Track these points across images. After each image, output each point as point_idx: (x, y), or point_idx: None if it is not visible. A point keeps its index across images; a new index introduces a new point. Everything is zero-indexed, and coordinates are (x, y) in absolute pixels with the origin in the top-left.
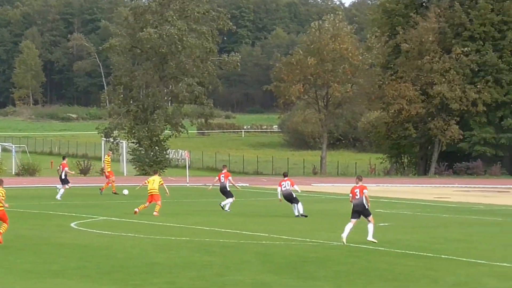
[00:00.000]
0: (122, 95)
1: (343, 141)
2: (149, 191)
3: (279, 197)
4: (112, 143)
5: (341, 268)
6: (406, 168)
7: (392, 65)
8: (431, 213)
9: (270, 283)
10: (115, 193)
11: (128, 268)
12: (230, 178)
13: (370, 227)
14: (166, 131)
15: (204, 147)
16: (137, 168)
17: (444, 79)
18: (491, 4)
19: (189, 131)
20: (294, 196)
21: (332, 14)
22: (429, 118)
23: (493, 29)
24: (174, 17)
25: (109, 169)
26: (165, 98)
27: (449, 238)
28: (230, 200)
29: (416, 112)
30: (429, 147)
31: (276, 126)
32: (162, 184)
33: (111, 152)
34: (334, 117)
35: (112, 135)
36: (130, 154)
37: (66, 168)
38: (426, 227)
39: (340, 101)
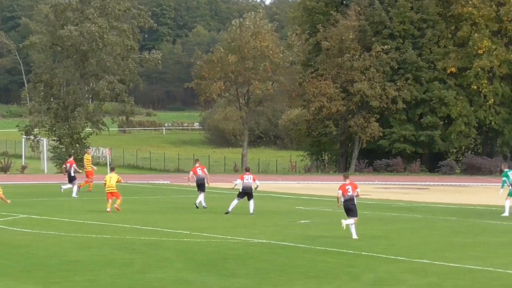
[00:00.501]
0: (42, 93)
1: (264, 139)
2: (106, 189)
3: (234, 185)
4: (33, 140)
5: (261, 265)
6: (326, 165)
7: (312, 63)
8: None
9: (191, 281)
10: (90, 192)
11: (48, 266)
12: (205, 169)
13: (353, 222)
14: (87, 129)
15: (125, 144)
16: (57, 166)
17: (364, 77)
18: (411, 2)
19: (110, 129)
20: (252, 192)
21: (252, 12)
22: (350, 116)
23: (412, 27)
24: (95, 15)
25: (89, 168)
26: (86, 95)
27: (369, 235)
28: (202, 196)
29: (337, 110)
30: (350, 144)
31: (197, 123)
32: (119, 181)
33: (90, 150)
34: (255, 115)
35: (32, 132)
36: (51, 152)
37: (74, 165)
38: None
39: (261, 99)
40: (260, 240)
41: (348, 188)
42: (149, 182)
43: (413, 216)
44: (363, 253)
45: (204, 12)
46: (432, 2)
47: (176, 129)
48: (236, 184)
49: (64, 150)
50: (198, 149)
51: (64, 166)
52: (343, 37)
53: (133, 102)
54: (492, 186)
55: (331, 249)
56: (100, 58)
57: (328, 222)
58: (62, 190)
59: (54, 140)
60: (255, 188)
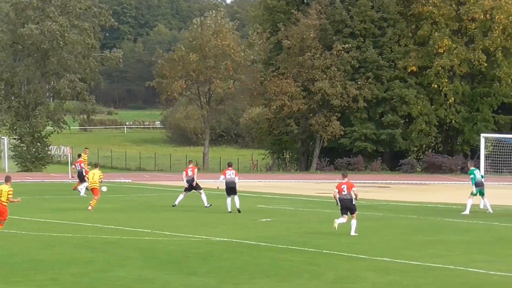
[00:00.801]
0: (3, 91)
1: (226, 137)
2: (90, 185)
3: (219, 184)
4: None
5: (223, 263)
6: (288, 164)
7: (273, 62)
8: (313, 209)
9: (153, 279)
10: (75, 190)
11: (10, 265)
12: (195, 171)
13: (354, 222)
14: (48, 128)
15: (87, 143)
16: (18, 165)
17: (325, 76)
18: (371, 1)
19: (71, 127)
20: (236, 187)
21: (214, 11)
22: (311, 114)
23: (373, 26)
24: (56, 13)
25: (85, 168)
26: (47, 94)
27: (331, 233)
28: (204, 196)
29: (298, 108)
30: (311, 143)
31: (159, 122)
32: (101, 177)
33: (87, 149)
34: (217, 113)
35: None
36: (12, 151)
37: (83, 164)
38: (308, 223)
39: (222, 97)
40: (222, 239)
41: (344, 187)
42: (110, 180)
43: (374, 214)
44: (324, 251)
45: (165, 10)
46: (392, 1)
47: (138, 127)
48: (220, 182)
49: (25, 148)
50: (159, 148)
51: (73, 166)
52: (304, 36)
53: (94, 101)
54: (452, 184)
55: (293, 247)
56: (61, 56)
57: (289, 221)
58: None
59: (15, 138)
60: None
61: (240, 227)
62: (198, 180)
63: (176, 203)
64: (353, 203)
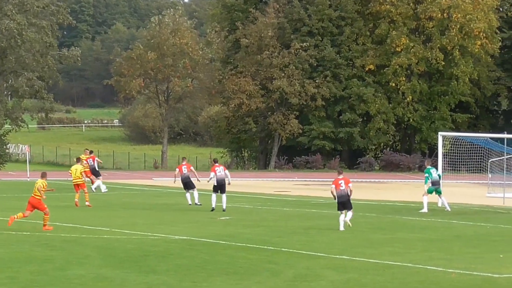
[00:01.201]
0: None
1: (184, 136)
2: (73, 181)
3: (209, 180)
4: None
5: (182, 261)
6: (246, 162)
7: (232, 60)
8: (272, 207)
9: (111, 277)
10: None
11: None
12: (192, 168)
13: (349, 214)
14: (6, 126)
15: (45, 141)
16: None
17: (283, 74)
18: (329, 0)
19: (30, 126)
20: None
21: (172, 9)
22: (269, 113)
23: (331, 24)
24: (13, 11)
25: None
26: (5, 92)
27: (289, 231)
28: (196, 194)
29: (256, 107)
30: (269, 141)
31: (117, 120)
32: (81, 172)
33: (88, 151)
34: (175, 112)
35: None
36: None
37: (97, 159)
38: (266, 221)
39: (181, 96)
40: (181, 237)
41: (341, 183)
42: (68, 179)
43: (332, 212)
44: (283, 249)
45: (123, 9)
46: (350, 0)
47: (96, 126)
48: (211, 178)
49: None
50: (117, 146)
51: (85, 162)
52: (262, 35)
53: (52, 99)
54: (410, 182)
55: (251, 245)
56: (19, 55)
57: (248, 219)
58: (94, 190)
59: None
60: (228, 184)
61: (199, 225)
62: (159, 178)
63: (190, 202)
64: (349, 199)
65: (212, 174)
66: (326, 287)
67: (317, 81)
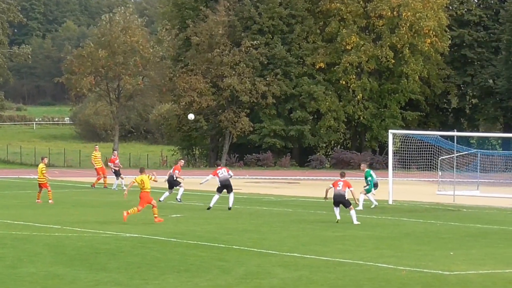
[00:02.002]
0: None
1: (135, 133)
2: (38, 180)
3: (202, 183)
4: None
5: (133, 259)
6: (197, 160)
7: (182, 58)
8: (222, 204)
9: (62, 275)
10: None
11: None
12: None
13: (352, 213)
14: None
15: None
16: None
17: (234, 72)
18: None
19: None
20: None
21: (122, 7)
22: (220, 111)
23: (281, 22)
24: None
25: (100, 165)
26: None
27: (240, 229)
28: (181, 190)
29: (207, 105)
30: (220, 139)
31: (68, 118)
32: (43, 171)
33: (97, 146)
34: (126, 110)
35: None
36: None
37: (117, 161)
38: (217, 218)
39: (132, 94)
40: (132, 235)
41: (340, 184)
42: (20, 176)
43: (284, 210)
44: (234, 246)
45: (74, 7)
46: None
47: (47, 123)
48: (205, 180)
49: None
50: (68, 144)
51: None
52: (213, 33)
53: (2, 97)
54: (361, 180)
55: (202, 243)
56: None
57: (199, 216)
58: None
59: None
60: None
61: (150, 223)
62: (110, 176)
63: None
64: (346, 198)
65: (210, 176)
66: (277, 285)
67: (267, 79)
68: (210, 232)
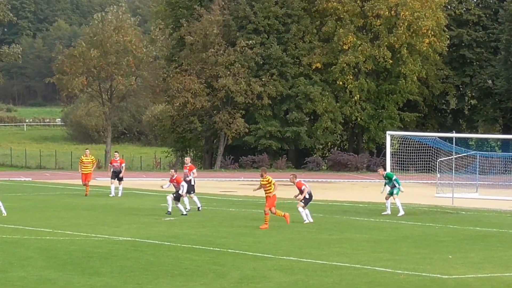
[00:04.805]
0: None
1: (128, 135)
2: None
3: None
4: None
5: (126, 263)
6: (191, 162)
7: (176, 58)
8: (217, 207)
9: (54, 279)
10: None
11: None
12: (194, 171)
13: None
14: None
15: None
16: None
17: (229, 72)
18: None
19: None
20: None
21: (115, 6)
22: (215, 111)
23: (277, 22)
24: None
25: (87, 171)
26: None
27: (235, 232)
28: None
29: (201, 105)
30: (215, 141)
31: (59, 119)
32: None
33: (88, 150)
34: (119, 110)
35: None
36: None
37: (123, 164)
38: (212, 221)
39: (124, 94)
40: (125, 238)
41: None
42: (10, 179)
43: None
44: (229, 250)
45: (65, 5)
46: None
47: (38, 125)
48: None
49: None
50: (60, 145)
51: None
52: (207, 32)
53: None
54: (358, 182)
55: (197, 246)
56: None
57: (193, 220)
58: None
59: None
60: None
61: (143, 226)
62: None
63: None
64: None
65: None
66: None
67: (263, 79)
68: (204, 236)
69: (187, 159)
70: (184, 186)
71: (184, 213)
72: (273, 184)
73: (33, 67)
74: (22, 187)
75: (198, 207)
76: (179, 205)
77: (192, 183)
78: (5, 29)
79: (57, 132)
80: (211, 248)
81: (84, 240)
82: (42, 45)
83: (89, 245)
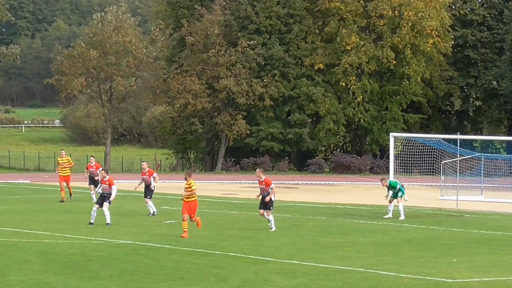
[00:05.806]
0: None
1: (128, 136)
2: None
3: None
4: None
5: (126, 266)
6: (192, 164)
7: (177, 58)
8: (218, 210)
9: (53, 283)
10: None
11: None
12: (154, 175)
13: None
14: None
15: None
16: None
17: (230, 73)
18: None
19: None
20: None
21: (114, 6)
22: (216, 113)
23: (279, 22)
24: None
25: (65, 173)
26: None
27: (237, 235)
28: None
29: (202, 107)
30: (216, 142)
31: (58, 121)
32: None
33: (63, 151)
34: (118, 112)
35: None
36: None
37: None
38: (213, 224)
39: (124, 95)
40: (125, 241)
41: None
42: (8, 181)
43: (281, 215)
44: (230, 254)
45: (64, 5)
46: None
47: (36, 126)
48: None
49: None
50: (59, 147)
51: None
52: (208, 32)
53: None
54: (361, 185)
55: (198, 250)
56: None
57: (194, 223)
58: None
59: None
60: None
61: (143, 230)
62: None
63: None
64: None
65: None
66: None
67: (265, 80)
68: (205, 239)
69: (144, 164)
70: (114, 190)
71: (108, 221)
72: (194, 189)
73: (31, 67)
74: (20, 189)
75: (153, 212)
76: (105, 209)
77: (152, 188)
78: (3, 29)
79: (56, 134)
80: (212, 252)
81: (83, 243)
82: (40, 45)
83: (88, 249)
